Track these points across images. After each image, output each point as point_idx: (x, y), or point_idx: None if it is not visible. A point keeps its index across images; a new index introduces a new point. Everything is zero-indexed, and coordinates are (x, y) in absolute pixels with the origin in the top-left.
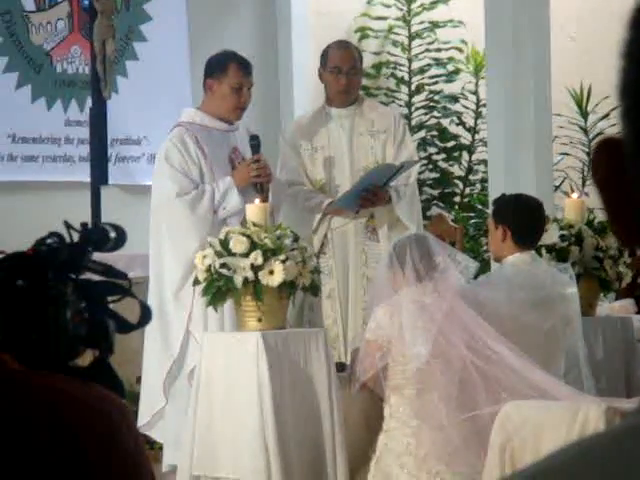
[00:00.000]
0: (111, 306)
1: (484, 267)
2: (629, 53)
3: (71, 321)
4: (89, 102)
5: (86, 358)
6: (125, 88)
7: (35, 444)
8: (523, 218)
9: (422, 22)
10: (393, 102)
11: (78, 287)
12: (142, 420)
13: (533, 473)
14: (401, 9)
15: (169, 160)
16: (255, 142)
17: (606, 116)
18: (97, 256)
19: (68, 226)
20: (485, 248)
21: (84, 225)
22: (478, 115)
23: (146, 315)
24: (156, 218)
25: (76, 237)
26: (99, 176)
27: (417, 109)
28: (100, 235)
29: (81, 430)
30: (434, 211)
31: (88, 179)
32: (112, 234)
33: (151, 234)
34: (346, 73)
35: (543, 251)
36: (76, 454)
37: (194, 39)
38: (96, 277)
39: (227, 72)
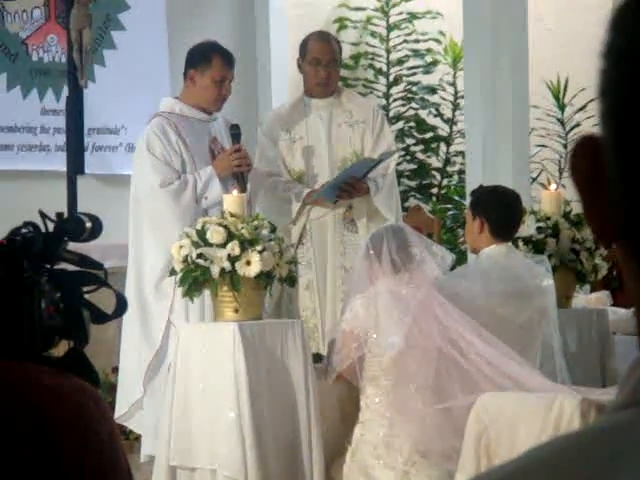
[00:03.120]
0: (86, 296)
1: (461, 259)
2: (609, 54)
3: (46, 311)
4: (66, 91)
5: (61, 348)
6: (103, 77)
7: (11, 436)
8: (500, 210)
9: (400, 13)
10: (371, 93)
11: (53, 277)
12: (120, 411)
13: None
14: (379, 0)
15: (151, 150)
16: (236, 132)
17: (583, 108)
18: (72, 246)
19: (43, 216)
20: (462, 240)
21: (59, 215)
22: (456, 107)
23: (122, 306)
24: (137, 208)
25: (51, 227)
26: (75, 165)
27: (395, 100)
28: (75, 225)
29: (56, 421)
30: (412, 202)
31: (64, 168)
32: (88, 224)
33: (131, 224)
34: (325, 65)
35: (520, 243)
36: (52, 445)
37: (172, 28)
38: (71, 267)
39: (210, 64)
